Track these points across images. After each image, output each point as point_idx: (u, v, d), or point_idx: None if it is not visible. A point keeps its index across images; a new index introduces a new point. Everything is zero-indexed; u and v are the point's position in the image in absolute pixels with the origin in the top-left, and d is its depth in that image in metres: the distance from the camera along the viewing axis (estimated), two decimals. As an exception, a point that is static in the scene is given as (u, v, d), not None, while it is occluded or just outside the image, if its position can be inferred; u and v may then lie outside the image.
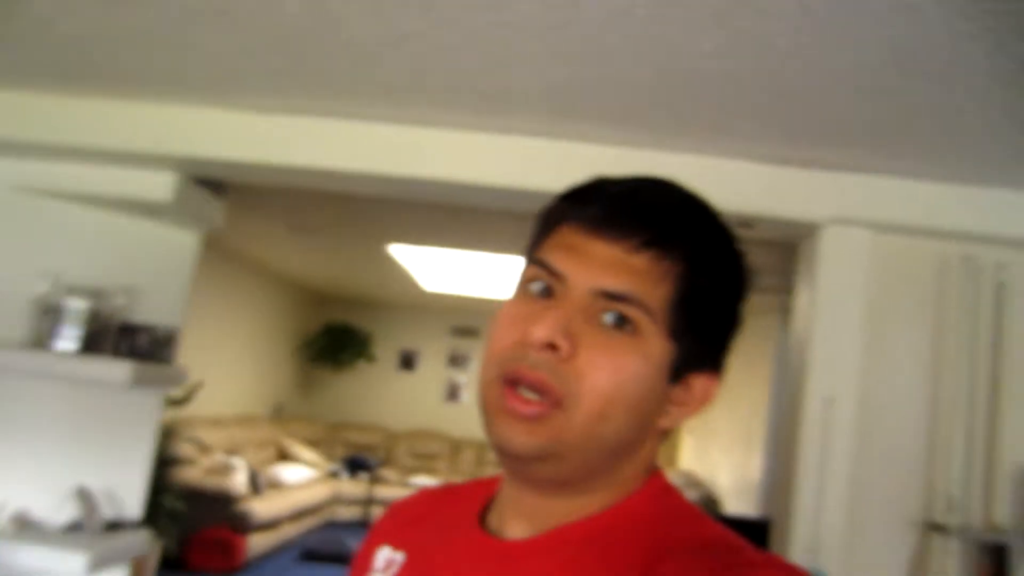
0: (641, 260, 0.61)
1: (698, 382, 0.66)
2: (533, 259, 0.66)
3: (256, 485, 5.82)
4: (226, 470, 5.67)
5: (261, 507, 5.60)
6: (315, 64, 2.01)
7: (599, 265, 0.61)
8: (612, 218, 0.62)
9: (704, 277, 0.63)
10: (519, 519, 0.68)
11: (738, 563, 0.56)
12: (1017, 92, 1.70)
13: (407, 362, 8.89)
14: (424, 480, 7.76)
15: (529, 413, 0.60)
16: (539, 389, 0.60)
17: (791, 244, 2.47)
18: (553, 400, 0.60)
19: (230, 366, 6.82)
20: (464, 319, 8.82)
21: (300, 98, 2.27)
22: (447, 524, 0.74)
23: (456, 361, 8.87)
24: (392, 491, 7.58)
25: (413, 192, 2.74)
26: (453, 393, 8.82)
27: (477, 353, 8.81)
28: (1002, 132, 1.91)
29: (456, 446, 8.38)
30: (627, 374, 0.60)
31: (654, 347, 0.62)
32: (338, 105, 2.28)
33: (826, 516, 2.07)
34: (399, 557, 0.73)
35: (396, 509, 0.83)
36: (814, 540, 2.05)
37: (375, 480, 7.71)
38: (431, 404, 8.77)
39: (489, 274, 6.07)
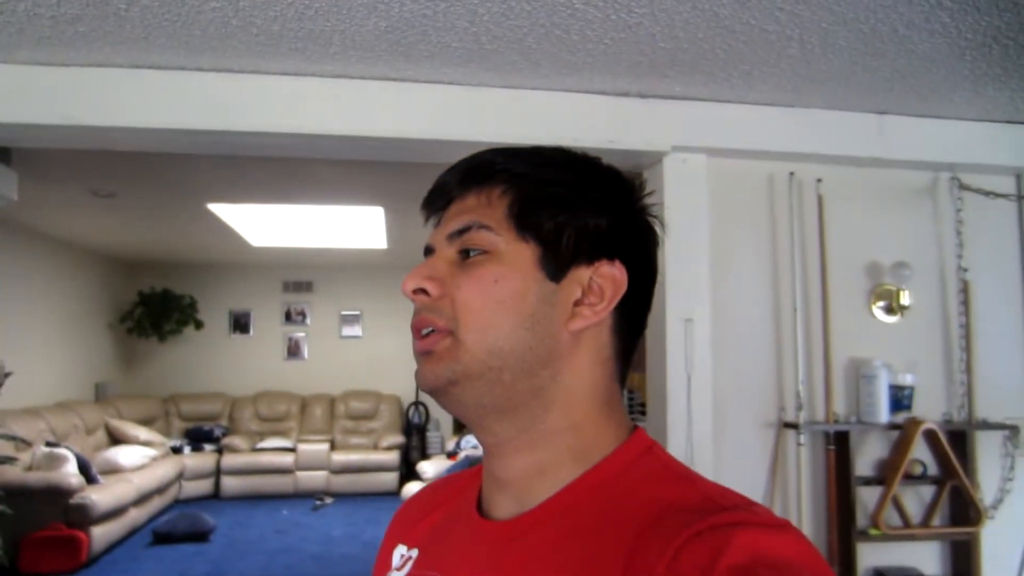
0: (471, 198, 0.68)
1: (599, 275, 0.67)
2: (424, 252, 0.72)
3: (89, 474, 5.36)
4: (52, 462, 5.17)
5: (99, 496, 5.17)
6: (117, 7, 1.75)
7: (446, 222, 0.69)
8: (446, 185, 0.70)
9: (531, 180, 0.67)
10: (500, 494, 0.69)
11: (721, 523, 0.55)
12: (832, 18, 1.81)
13: (240, 323, 8.42)
14: (276, 443, 7.49)
15: (426, 345, 0.66)
16: (427, 327, 0.66)
17: (637, 174, 2.54)
18: (442, 332, 0.65)
19: (39, 351, 6.15)
20: (296, 273, 8.46)
21: (101, 49, 1.99)
22: (451, 514, 0.75)
23: (292, 317, 8.53)
24: (242, 459, 7.27)
25: (238, 147, 2.52)
26: (294, 350, 8.50)
27: (314, 308, 8.52)
28: (817, 56, 2.03)
29: (304, 403, 8.14)
30: (489, 281, 0.65)
31: (510, 253, 0.65)
32: (147, 55, 2.03)
33: (696, 426, 2.21)
34: (413, 554, 0.75)
35: (406, 507, 0.85)
36: (688, 448, 2.19)
37: (222, 450, 7.35)
38: (272, 364, 8.40)
39: (319, 225, 5.82)
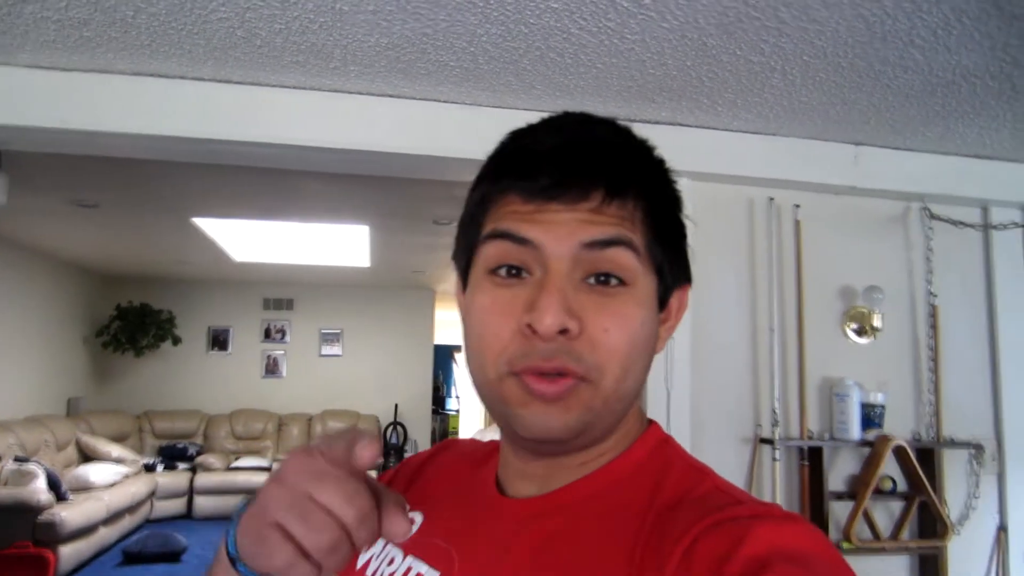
0: (608, 215, 0.60)
1: (673, 296, 0.67)
2: (490, 235, 0.61)
3: (59, 491, 5.28)
4: (21, 478, 5.10)
5: (69, 514, 5.10)
6: (124, 13, 1.81)
7: (570, 224, 0.59)
8: (564, 184, 0.59)
9: (663, 207, 0.64)
10: (525, 481, 0.69)
11: (740, 515, 0.56)
12: (814, 51, 1.91)
13: (218, 340, 8.37)
14: (252, 462, 7.41)
15: (560, 390, 0.58)
16: (563, 372, 0.58)
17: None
18: (576, 378, 0.59)
19: (10, 363, 6.08)
20: (277, 290, 8.45)
21: (104, 55, 2.03)
22: (462, 485, 0.75)
23: (272, 335, 8.50)
24: (216, 478, 7.18)
25: (234, 157, 2.55)
26: (272, 368, 8.46)
27: (294, 326, 8.50)
28: (799, 88, 2.13)
29: (281, 422, 8.07)
30: (635, 326, 0.60)
31: (643, 287, 0.61)
32: (149, 63, 2.08)
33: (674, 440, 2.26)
34: (418, 517, 0.73)
35: (403, 471, 0.82)
36: (665, 465, 2.23)
37: (196, 468, 7.26)
38: (250, 382, 8.34)
39: (302, 242, 5.84)
